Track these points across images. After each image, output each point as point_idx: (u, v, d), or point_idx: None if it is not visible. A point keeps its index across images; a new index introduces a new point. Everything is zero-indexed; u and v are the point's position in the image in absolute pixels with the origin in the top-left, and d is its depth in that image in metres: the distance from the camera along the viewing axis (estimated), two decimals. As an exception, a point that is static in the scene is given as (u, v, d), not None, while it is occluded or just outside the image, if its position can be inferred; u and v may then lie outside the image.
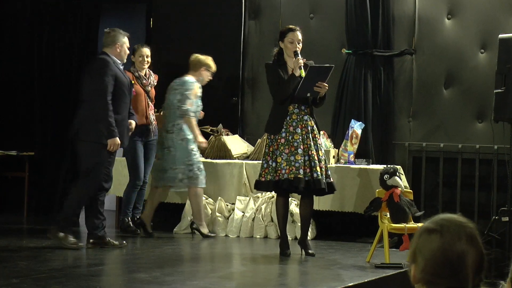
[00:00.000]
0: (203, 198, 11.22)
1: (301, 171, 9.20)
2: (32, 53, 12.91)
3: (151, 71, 11.34)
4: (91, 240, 9.75)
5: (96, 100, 9.71)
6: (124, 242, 10.06)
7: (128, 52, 10.22)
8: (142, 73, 11.25)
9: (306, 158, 9.33)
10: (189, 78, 10.98)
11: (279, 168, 9.29)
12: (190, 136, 10.95)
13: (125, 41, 10.07)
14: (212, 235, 10.92)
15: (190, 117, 10.69)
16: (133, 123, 10.17)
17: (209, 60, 11.20)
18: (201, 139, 11.17)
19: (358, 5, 12.03)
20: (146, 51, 11.24)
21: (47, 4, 13.45)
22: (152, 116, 11.22)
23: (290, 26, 9.62)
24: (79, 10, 13.15)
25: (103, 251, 10.01)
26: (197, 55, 11.28)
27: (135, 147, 11.02)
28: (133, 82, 10.96)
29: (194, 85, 10.92)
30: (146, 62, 11.28)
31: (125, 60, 10.13)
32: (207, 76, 11.09)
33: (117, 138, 9.62)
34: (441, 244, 3.14)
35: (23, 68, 12.97)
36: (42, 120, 13.13)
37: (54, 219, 10.32)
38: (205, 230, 10.80)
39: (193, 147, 10.96)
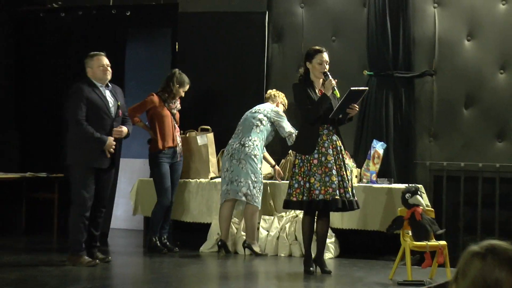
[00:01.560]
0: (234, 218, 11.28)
1: (337, 192, 9.23)
2: (60, 78, 12.88)
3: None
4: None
5: (71, 125, 10.01)
6: (101, 257, 10.19)
7: (103, 69, 10.22)
8: (176, 98, 11.45)
9: (340, 178, 9.37)
10: (274, 106, 11.26)
11: (313, 189, 9.29)
12: (261, 156, 11.13)
13: (94, 62, 10.15)
14: (264, 253, 10.98)
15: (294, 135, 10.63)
16: (123, 129, 10.23)
17: (284, 97, 11.40)
18: None
19: (379, 28, 12.15)
20: (187, 84, 11.38)
21: (75, 30, 13.63)
22: (178, 138, 11.32)
23: (318, 47, 9.60)
24: (107, 36, 13.32)
25: (132, 269, 10.65)
26: (274, 90, 11.55)
27: (162, 169, 11.13)
28: (149, 104, 11.33)
29: (282, 112, 11.15)
30: (184, 91, 11.41)
31: (104, 78, 10.17)
32: (282, 109, 11.27)
33: (109, 138, 9.80)
34: (481, 269, 3.10)
35: (52, 92, 13.08)
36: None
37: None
38: (257, 248, 10.88)
39: (261, 166, 11.11)
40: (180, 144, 11.34)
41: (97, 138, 9.69)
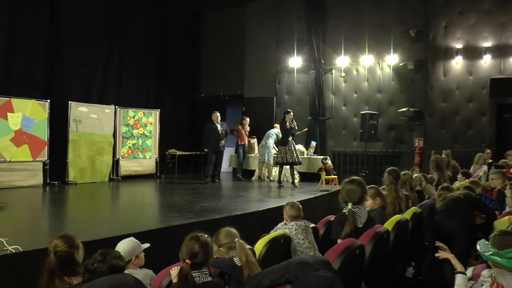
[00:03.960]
0: (265, 168, 11.07)
1: (295, 159, 9.55)
2: (205, 120, 10.58)
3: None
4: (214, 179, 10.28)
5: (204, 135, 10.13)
6: (218, 181, 10.27)
7: (216, 117, 10.10)
8: (246, 126, 11.33)
9: (295, 154, 9.60)
10: (277, 129, 10.76)
11: (286, 157, 9.49)
12: (272, 146, 10.78)
13: (214, 115, 10.12)
14: (273, 180, 10.77)
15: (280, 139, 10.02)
16: (222, 142, 10.15)
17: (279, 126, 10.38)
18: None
19: (313, 101, 12.05)
20: (248, 121, 11.40)
21: (211, 105, 12.56)
22: (246, 141, 11.44)
23: (289, 110, 9.91)
24: (220, 107, 12.22)
25: (226, 180, 10.80)
26: (276, 124, 11.13)
27: (240, 152, 11.36)
28: (236, 128, 11.30)
29: (279, 131, 10.32)
30: (248, 123, 11.33)
31: (217, 120, 10.07)
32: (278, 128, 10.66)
33: (205, 149, 10.07)
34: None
35: (203, 123, 10.65)
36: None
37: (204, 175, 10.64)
38: (271, 178, 10.92)
39: (272, 150, 10.76)
40: (246, 143, 11.48)
41: (209, 143, 10.10)
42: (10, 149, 8.99)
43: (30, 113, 9.31)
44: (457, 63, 10.81)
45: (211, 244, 2.75)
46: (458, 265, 3.05)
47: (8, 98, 8.98)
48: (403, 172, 5.51)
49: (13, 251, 3.92)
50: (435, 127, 11.04)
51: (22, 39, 9.62)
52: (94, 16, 10.99)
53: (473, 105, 10.71)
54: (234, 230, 3.15)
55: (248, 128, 11.52)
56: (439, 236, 4.08)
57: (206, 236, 2.74)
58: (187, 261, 2.59)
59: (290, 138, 9.79)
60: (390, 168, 5.18)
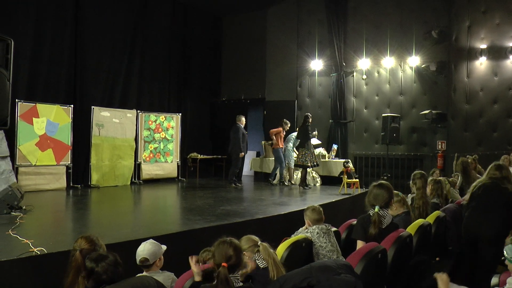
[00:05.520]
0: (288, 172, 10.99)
1: (313, 162, 9.86)
2: (227, 121, 11.51)
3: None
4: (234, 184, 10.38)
5: (232, 140, 10.24)
6: (240, 185, 10.42)
7: (244, 121, 10.39)
8: (284, 131, 10.97)
9: (314, 157, 9.95)
10: (296, 133, 10.60)
11: (306, 160, 9.76)
12: (292, 150, 10.69)
13: (240, 118, 10.27)
14: (294, 183, 10.82)
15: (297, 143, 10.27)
16: (242, 153, 10.31)
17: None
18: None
19: (334, 104, 12.11)
20: (289, 126, 11.03)
21: (233, 108, 12.69)
22: (283, 145, 10.87)
23: (308, 114, 10.32)
24: (243, 110, 12.46)
25: (250, 187, 10.59)
26: (298, 128, 10.87)
27: (280, 154, 10.88)
28: (278, 131, 10.79)
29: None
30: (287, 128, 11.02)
31: (243, 124, 10.34)
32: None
33: (242, 153, 10.24)
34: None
35: (227, 127, 11.13)
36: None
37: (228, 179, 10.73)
38: (293, 181, 10.93)
39: (294, 154, 10.71)
40: (283, 147, 10.92)
41: (240, 149, 10.24)
42: (35, 153, 9.15)
43: (54, 118, 9.49)
44: (481, 64, 10.72)
45: (241, 247, 2.75)
46: None
47: (34, 104, 9.17)
48: (436, 178, 5.41)
49: (38, 253, 3.99)
50: (459, 130, 10.93)
51: (47, 46, 9.74)
52: (116, 21, 11.10)
53: (498, 107, 10.61)
54: (254, 236, 3.16)
55: (284, 133, 11.19)
56: (467, 240, 3.93)
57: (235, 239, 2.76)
58: (224, 264, 2.56)
59: (311, 143, 10.01)
60: (420, 172, 5.06)
